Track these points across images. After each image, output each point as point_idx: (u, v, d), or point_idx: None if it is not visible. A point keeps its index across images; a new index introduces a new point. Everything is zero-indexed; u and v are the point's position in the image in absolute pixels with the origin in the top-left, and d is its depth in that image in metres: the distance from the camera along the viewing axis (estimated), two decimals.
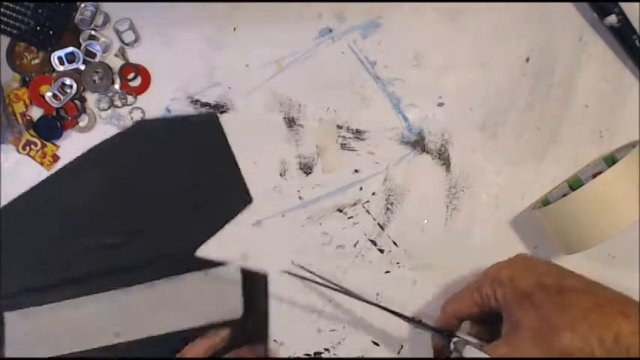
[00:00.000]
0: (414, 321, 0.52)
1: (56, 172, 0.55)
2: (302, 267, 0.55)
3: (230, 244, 0.55)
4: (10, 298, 0.54)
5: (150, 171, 0.55)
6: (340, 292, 0.54)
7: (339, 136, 0.56)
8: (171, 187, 0.55)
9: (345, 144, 0.56)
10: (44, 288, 0.54)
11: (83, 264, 0.54)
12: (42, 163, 0.55)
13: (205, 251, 0.55)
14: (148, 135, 0.55)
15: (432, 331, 0.50)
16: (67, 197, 0.55)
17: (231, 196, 0.55)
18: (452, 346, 0.48)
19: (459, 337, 0.48)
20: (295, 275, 0.55)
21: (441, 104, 0.56)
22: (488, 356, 0.45)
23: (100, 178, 0.55)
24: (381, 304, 0.52)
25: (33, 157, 0.55)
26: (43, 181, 0.55)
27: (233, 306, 0.54)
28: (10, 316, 0.54)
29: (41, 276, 0.54)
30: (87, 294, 0.54)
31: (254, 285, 0.55)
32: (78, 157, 0.55)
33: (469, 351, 0.46)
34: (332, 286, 0.54)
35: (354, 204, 0.56)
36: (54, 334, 0.54)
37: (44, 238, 0.55)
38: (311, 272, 0.55)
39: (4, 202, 0.55)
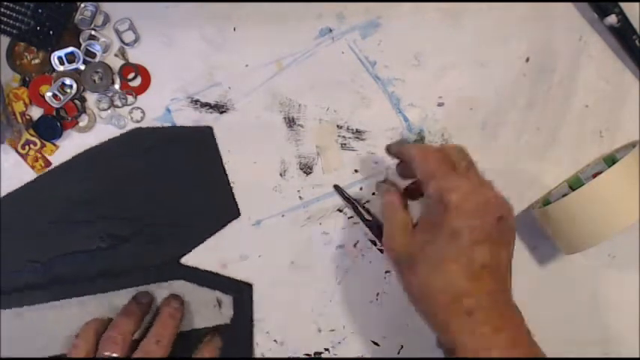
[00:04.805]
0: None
1: (48, 172, 0.54)
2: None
3: (229, 245, 0.56)
4: (4, 295, 0.54)
5: (141, 178, 0.55)
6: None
7: (339, 136, 0.56)
8: (160, 195, 0.55)
9: (345, 144, 0.56)
10: (34, 287, 0.54)
11: (71, 265, 0.55)
12: (33, 167, 0.54)
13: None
14: (143, 142, 0.55)
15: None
16: (58, 198, 0.55)
17: (219, 208, 0.56)
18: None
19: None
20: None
21: (441, 104, 0.56)
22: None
23: (92, 181, 0.55)
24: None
25: (25, 159, 0.54)
26: (34, 179, 0.54)
27: (220, 313, 0.55)
28: (4, 315, 0.54)
29: (31, 275, 0.55)
30: (74, 296, 0.54)
31: (241, 294, 0.56)
32: (70, 159, 0.55)
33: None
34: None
35: None
36: (37, 337, 0.54)
37: (35, 237, 0.55)
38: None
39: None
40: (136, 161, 0.55)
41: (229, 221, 0.56)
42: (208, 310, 0.55)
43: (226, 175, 0.55)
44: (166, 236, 0.55)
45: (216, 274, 0.55)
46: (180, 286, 0.55)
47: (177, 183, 0.55)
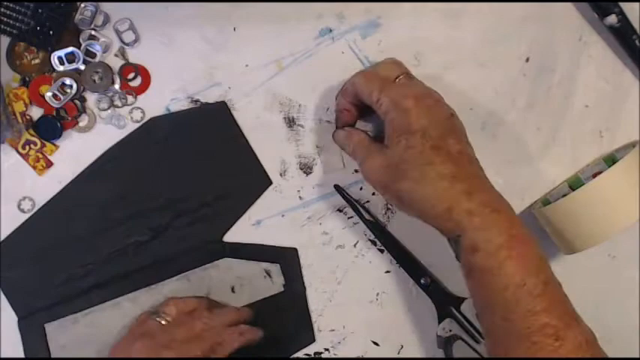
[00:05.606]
0: None
1: (73, 180, 0.55)
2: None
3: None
4: (48, 309, 0.55)
5: (167, 165, 0.55)
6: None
7: None
8: (190, 178, 0.55)
9: None
10: (80, 295, 0.55)
11: (115, 265, 0.55)
12: (34, 167, 0.55)
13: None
14: (161, 131, 0.55)
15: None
16: (90, 203, 0.55)
17: (250, 180, 0.56)
18: None
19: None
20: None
21: None
22: None
23: (119, 179, 0.55)
24: None
25: (27, 160, 0.54)
26: (61, 190, 0.55)
27: (271, 283, 0.56)
28: (50, 328, 0.54)
29: (76, 284, 0.55)
30: (122, 294, 0.55)
31: (287, 259, 0.56)
32: (93, 163, 0.55)
33: None
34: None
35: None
36: (95, 339, 0.55)
37: (74, 247, 0.55)
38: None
39: (4, 204, 0.55)
40: (159, 150, 0.55)
41: (263, 191, 0.56)
42: (260, 282, 0.56)
43: (250, 145, 0.55)
44: (204, 217, 0.55)
45: (259, 246, 0.56)
46: (227, 264, 0.55)
47: (203, 162, 0.55)
